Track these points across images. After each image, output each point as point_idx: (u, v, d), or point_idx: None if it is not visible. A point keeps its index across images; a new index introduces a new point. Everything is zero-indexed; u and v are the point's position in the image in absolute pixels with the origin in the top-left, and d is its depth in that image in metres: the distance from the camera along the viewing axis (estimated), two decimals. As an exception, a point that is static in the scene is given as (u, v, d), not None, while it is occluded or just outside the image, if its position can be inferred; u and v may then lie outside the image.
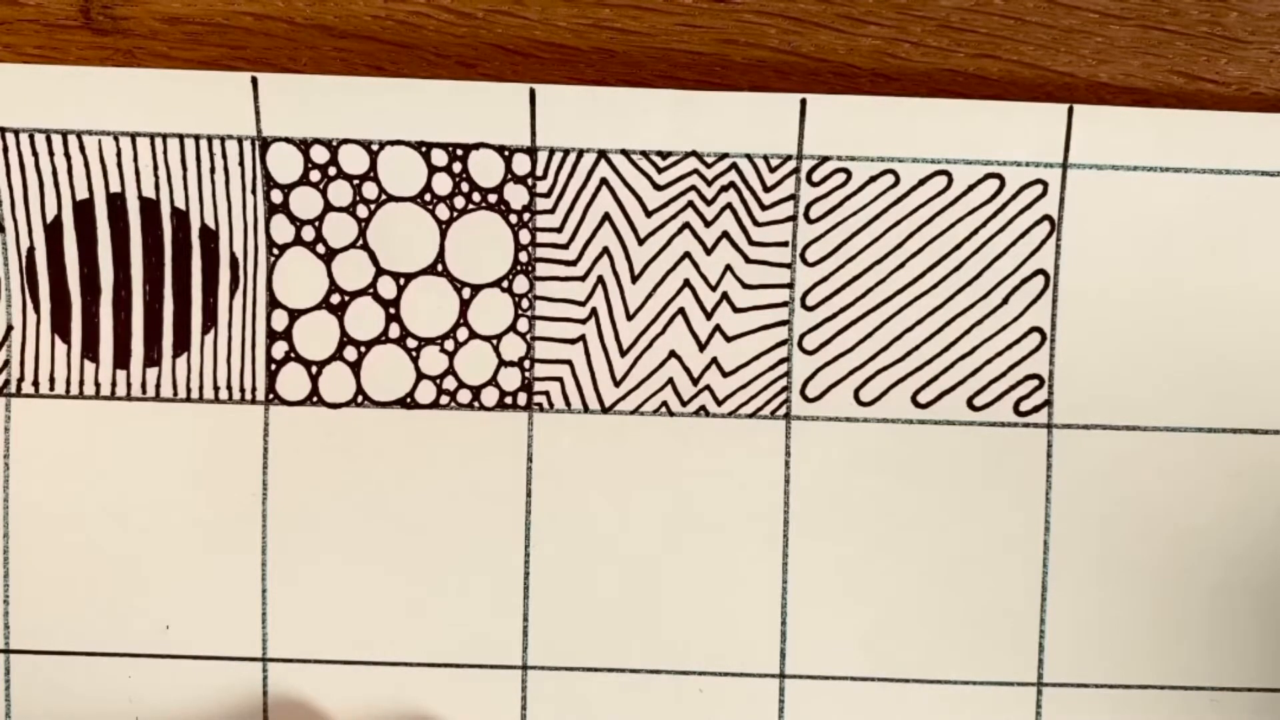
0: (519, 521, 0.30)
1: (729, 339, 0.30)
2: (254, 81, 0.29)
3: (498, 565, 0.30)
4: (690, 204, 0.30)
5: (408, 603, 0.30)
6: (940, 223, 0.30)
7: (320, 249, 0.30)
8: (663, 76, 0.30)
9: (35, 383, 0.30)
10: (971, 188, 0.29)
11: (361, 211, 0.30)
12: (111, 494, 0.30)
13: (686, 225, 0.30)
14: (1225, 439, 0.30)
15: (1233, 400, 0.30)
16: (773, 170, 0.29)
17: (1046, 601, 0.30)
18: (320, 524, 0.30)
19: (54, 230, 0.30)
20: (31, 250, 0.30)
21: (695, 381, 0.30)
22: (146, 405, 0.30)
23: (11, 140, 0.29)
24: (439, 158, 0.29)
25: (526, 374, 0.30)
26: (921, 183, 0.29)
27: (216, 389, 0.30)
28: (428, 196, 0.30)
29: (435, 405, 0.30)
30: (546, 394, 0.30)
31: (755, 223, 0.30)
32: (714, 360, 0.30)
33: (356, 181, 0.30)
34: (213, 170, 0.29)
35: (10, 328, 0.30)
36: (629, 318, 0.30)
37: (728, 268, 0.30)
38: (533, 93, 0.29)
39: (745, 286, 0.30)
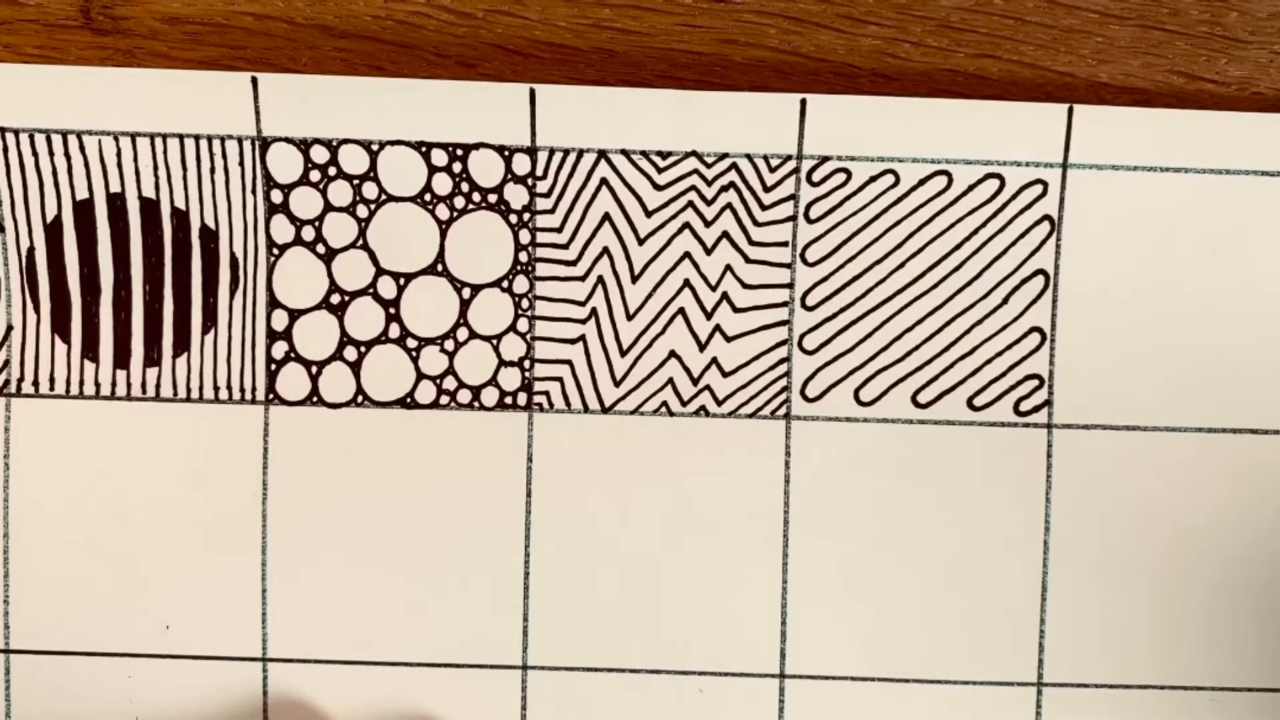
0: (519, 521, 0.30)
1: (729, 339, 0.30)
2: (254, 81, 0.29)
3: (498, 565, 0.30)
4: (690, 204, 0.30)
5: (408, 603, 0.30)
6: (940, 223, 0.30)
7: (320, 249, 0.30)
8: (663, 76, 0.30)
9: (35, 383, 0.30)
10: (971, 188, 0.29)
11: (361, 211, 0.30)
12: (111, 494, 0.30)
13: (686, 225, 0.30)
14: (1225, 439, 0.30)
15: (1233, 400, 0.30)
16: (773, 170, 0.29)
17: (1046, 601, 0.30)
18: (320, 524, 0.30)
19: (54, 230, 0.30)
20: (31, 250, 0.30)
21: (695, 381, 0.30)
22: (146, 405, 0.30)
23: (11, 140, 0.29)
24: (439, 158, 0.29)
25: (526, 374, 0.30)
26: (921, 183, 0.29)
27: (216, 389, 0.30)
28: (428, 196, 0.30)
29: (435, 405, 0.30)
30: (546, 394, 0.30)
31: (755, 223, 0.30)
32: (714, 360, 0.30)
33: (356, 181, 0.30)
34: (213, 170, 0.29)
35: (10, 328, 0.30)
36: (629, 318, 0.30)
37: (728, 268, 0.30)
38: (533, 93, 0.29)
39: (745, 286, 0.30)
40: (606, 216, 0.30)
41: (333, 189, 0.30)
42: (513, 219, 0.30)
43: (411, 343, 0.30)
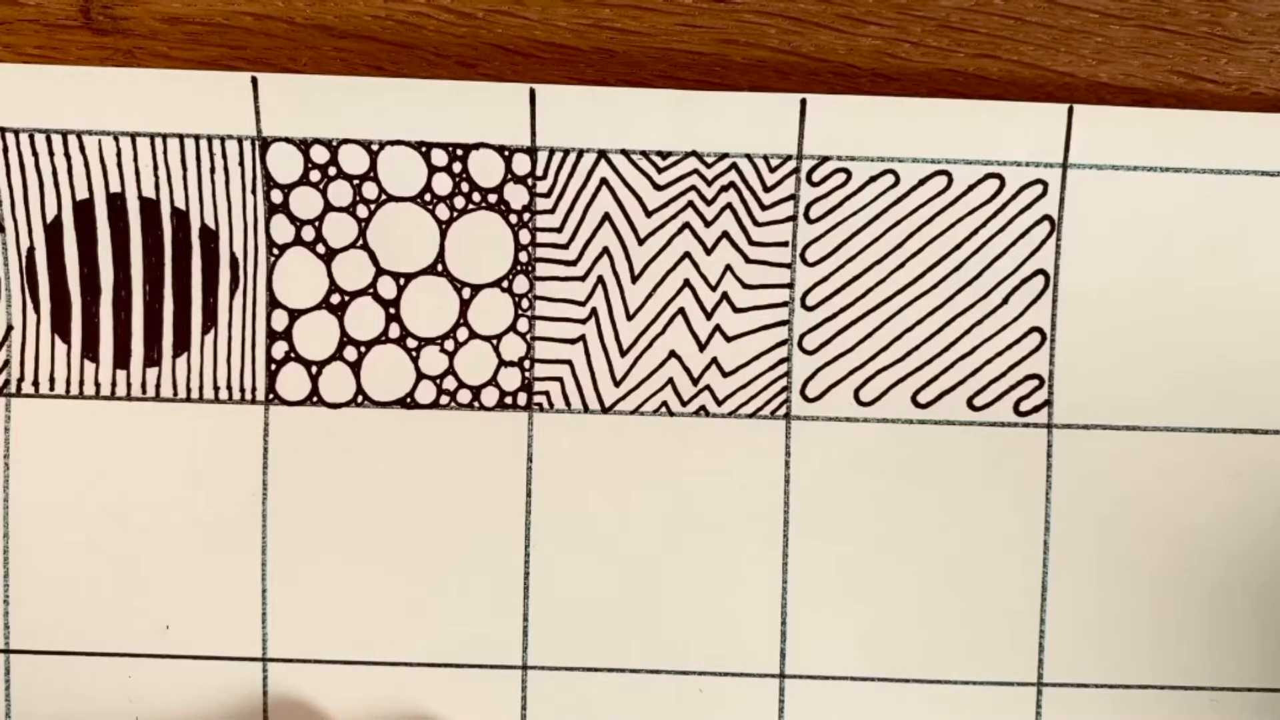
0: (519, 521, 0.30)
1: (729, 339, 0.30)
2: (254, 81, 0.29)
3: (498, 565, 0.30)
4: (690, 204, 0.30)
5: (408, 603, 0.30)
6: (940, 223, 0.30)
7: (320, 249, 0.30)
8: (663, 76, 0.30)
9: (35, 383, 0.30)
10: (971, 188, 0.29)
11: (361, 211, 0.30)
12: (111, 494, 0.30)
13: (686, 225, 0.30)
14: (1225, 439, 0.30)
15: (1233, 400, 0.30)
16: (773, 170, 0.29)
17: (1046, 601, 0.30)
18: (320, 524, 0.30)
19: (54, 230, 0.30)
20: (31, 250, 0.30)
21: (695, 381, 0.30)
22: (146, 405, 0.30)
23: (11, 140, 0.29)
24: (439, 158, 0.29)
25: (526, 374, 0.30)
26: (921, 183, 0.29)
27: (216, 389, 0.30)
28: (428, 196, 0.30)
29: (435, 405, 0.30)
30: (546, 394, 0.30)
31: (755, 223, 0.30)
32: (714, 360, 0.30)
33: (356, 181, 0.30)
34: (213, 170, 0.29)
35: (10, 328, 0.30)
36: (629, 318, 0.30)
37: (728, 268, 0.30)
38: (533, 93, 0.29)
39: (745, 286, 0.30)
40: (606, 216, 0.30)
41: (333, 189, 0.30)
42: (513, 219, 0.30)
43: (411, 343, 0.30)
